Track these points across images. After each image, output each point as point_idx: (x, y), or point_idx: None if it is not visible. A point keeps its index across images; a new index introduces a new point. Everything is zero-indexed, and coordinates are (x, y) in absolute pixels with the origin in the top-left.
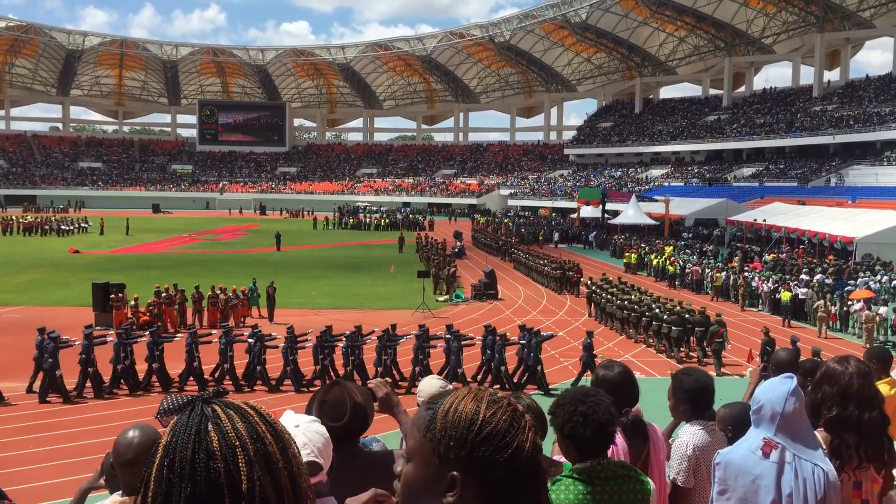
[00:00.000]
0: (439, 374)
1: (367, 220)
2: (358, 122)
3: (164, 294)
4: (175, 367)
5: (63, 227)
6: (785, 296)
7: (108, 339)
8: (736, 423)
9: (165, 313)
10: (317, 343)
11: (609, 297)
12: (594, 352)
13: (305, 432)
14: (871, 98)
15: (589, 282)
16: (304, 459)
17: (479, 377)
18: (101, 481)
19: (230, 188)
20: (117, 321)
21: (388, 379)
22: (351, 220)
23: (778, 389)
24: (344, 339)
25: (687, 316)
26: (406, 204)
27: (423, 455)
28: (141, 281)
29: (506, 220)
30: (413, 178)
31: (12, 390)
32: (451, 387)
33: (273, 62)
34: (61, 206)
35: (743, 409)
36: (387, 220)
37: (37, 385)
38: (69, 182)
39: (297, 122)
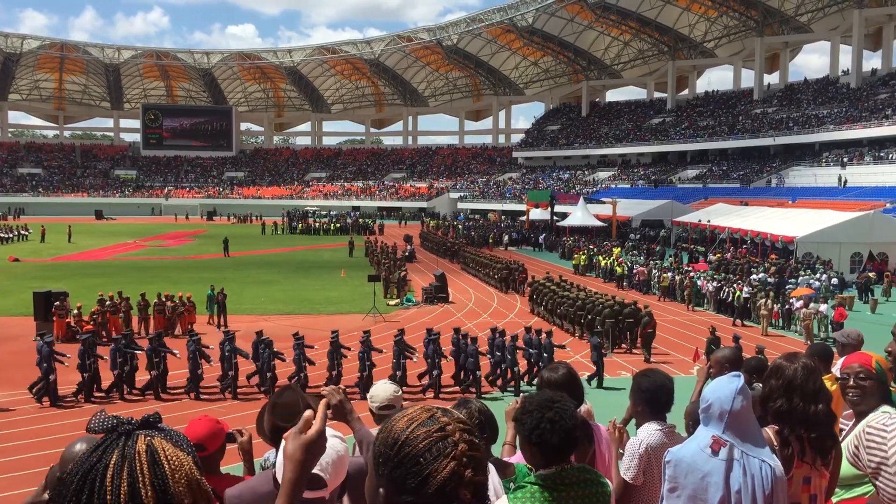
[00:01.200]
0: (420, 377)
1: (317, 224)
2: (306, 126)
3: (108, 302)
4: (173, 374)
5: (2, 234)
6: (736, 296)
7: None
8: (697, 419)
9: (110, 321)
10: (332, 349)
11: (550, 294)
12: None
13: None
14: (809, 100)
15: (532, 280)
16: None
17: (491, 378)
18: (45, 496)
19: (176, 194)
20: (60, 330)
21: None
22: (300, 225)
23: (726, 388)
24: (360, 343)
25: (618, 308)
26: (355, 208)
27: (371, 466)
28: (84, 289)
29: (456, 224)
30: (362, 181)
31: None
32: (401, 392)
33: (219, 66)
34: (0, 214)
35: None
36: (336, 225)
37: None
38: (8, 189)
39: (243, 126)
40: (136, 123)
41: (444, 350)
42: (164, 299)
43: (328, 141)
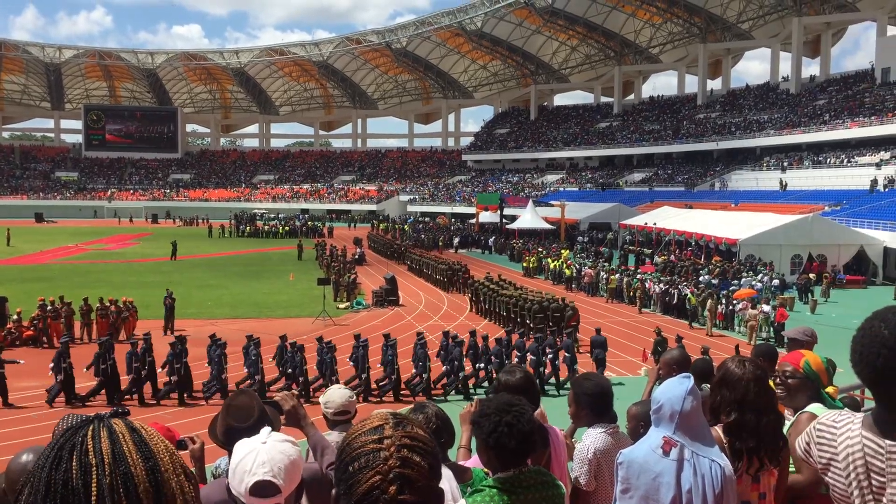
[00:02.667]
0: (379, 381)
1: (265, 227)
2: (254, 128)
3: (49, 307)
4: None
5: None
6: (692, 300)
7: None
8: (648, 420)
9: (51, 327)
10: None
11: (489, 293)
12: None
13: (269, 451)
14: (750, 106)
15: (472, 281)
16: (260, 478)
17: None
18: None
19: (119, 196)
20: None
21: (293, 391)
22: (248, 228)
23: (676, 389)
24: (387, 346)
25: (546, 304)
26: (304, 211)
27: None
28: (24, 294)
29: (405, 227)
30: (311, 184)
31: None
32: (354, 397)
33: (163, 66)
34: None
35: (644, 410)
36: (285, 228)
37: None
38: None
39: (189, 127)
40: (78, 124)
41: (430, 353)
42: (107, 304)
43: (276, 143)
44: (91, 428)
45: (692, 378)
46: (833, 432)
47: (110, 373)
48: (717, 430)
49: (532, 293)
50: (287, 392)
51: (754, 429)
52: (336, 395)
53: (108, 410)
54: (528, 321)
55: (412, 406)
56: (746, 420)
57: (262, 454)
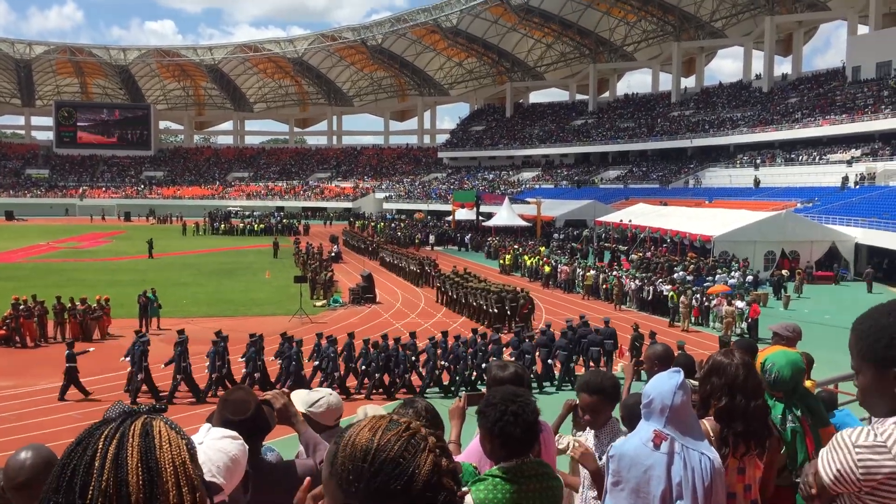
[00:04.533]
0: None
1: (241, 224)
2: (228, 125)
3: (22, 306)
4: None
5: None
6: (674, 297)
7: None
8: (634, 414)
9: (24, 326)
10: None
11: (455, 286)
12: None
13: (206, 450)
14: (724, 104)
15: (439, 273)
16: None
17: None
18: None
19: (91, 193)
20: None
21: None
22: (222, 226)
23: (667, 384)
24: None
25: (505, 294)
26: (280, 208)
27: (331, 489)
28: None
29: (380, 224)
30: (286, 182)
31: None
32: (318, 395)
33: (136, 62)
34: None
35: (635, 402)
36: (260, 225)
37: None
38: None
39: (163, 124)
40: (49, 121)
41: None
42: (77, 303)
43: (251, 140)
44: (108, 429)
45: (682, 372)
46: (881, 451)
47: (189, 371)
48: (706, 424)
49: (494, 285)
50: (278, 391)
51: (743, 412)
52: (301, 397)
53: (147, 405)
54: (490, 309)
55: (401, 402)
56: (737, 403)
57: (200, 455)
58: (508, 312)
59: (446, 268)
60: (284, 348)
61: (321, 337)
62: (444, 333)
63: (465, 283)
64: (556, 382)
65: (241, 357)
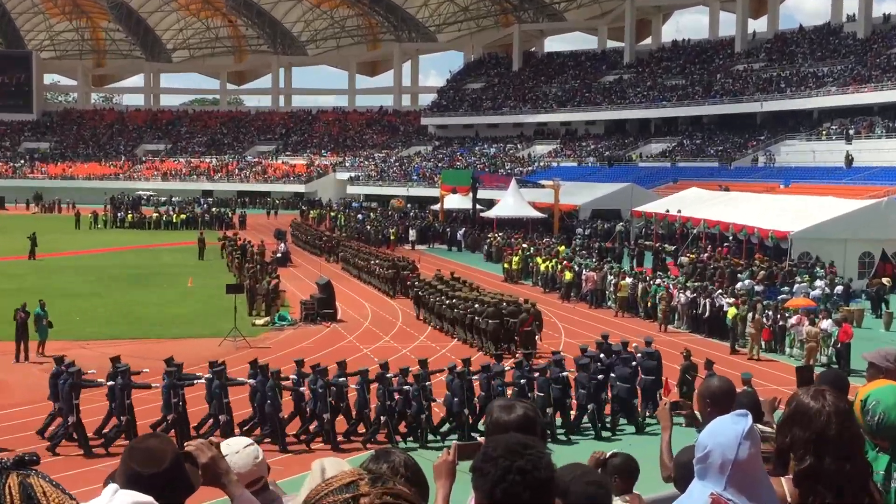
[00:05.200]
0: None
1: (154, 215)
2: (137, 80)
3: None
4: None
5: None
6: (731, 312)
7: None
8: (686, 475)
9: None
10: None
11: (437, 296)
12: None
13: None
14: (805, 54)
15: (418, 282)
16: None
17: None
18: None
19: None
20: None
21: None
22: (130, 216)
23: (729, 431)
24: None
25: (501, 306)
26: (207, 193)
27: None
28: None
29: (342, 215)
30: (216, 157)
31: None
32: (250, 448)
33: None
34: None
35: (691, 457)
36: (181, 216)
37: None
38: None
39: (48, 78)
40: None
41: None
42: None
43: (168, 101)
44: None
45: (750, 416)
46: None
47: (181, 408)
48: (783, 485)
49: (489, 294)
50: (203, 441)
51: (835, 478)
52: (234, 444)
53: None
54: (482, 327)
55: (372, 453)
56: (825, 466)
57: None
58: (505, 332)
59: (429, 273)
60: (257, 383)
61: (301, 365)
62: (466, 362)
63: (451, 291)
64: (570, 428)
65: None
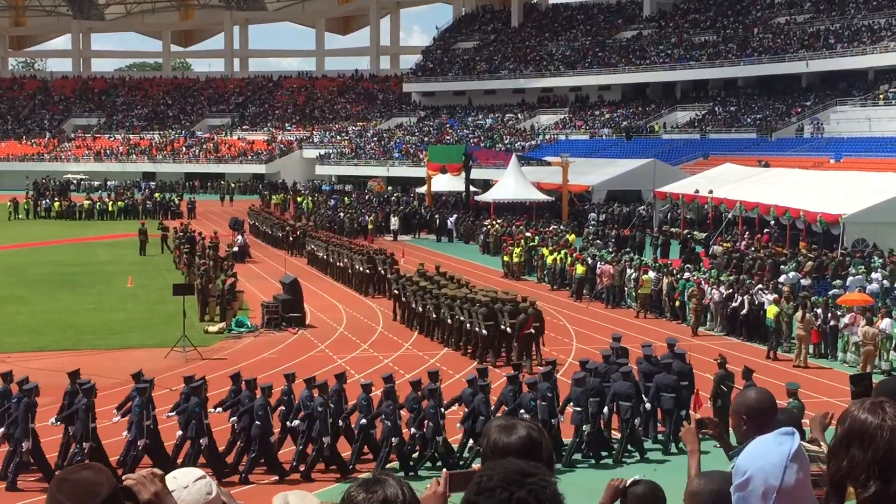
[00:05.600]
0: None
1: (86, 203)
2: (64, 42)
3: None
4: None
5: None
6: (771, 311)
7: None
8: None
9: None
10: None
11: (420, 294)
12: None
13: None
14: (858, 4)
15: (396, 276)
16: None
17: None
18: None
19: None
20: None
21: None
22: (57, 204)
23: (773, 453)
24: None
25: (499, 305)
26: (149, 176)
27: None
28: None
29: (308, 199)
30: (160, 132)
31: None
32: (201, 482)
33: None
34: None
35: (724, 482)
36: (119, 204)
37: None
38: None
39: None
40: None
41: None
42: None
43: (101, 66)
44: None
45: (797, 434)
46: None
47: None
48: None
49: (482, 291)
50: (147, 473)
51: None
52: (187, 493)
53: None
54: (476, 329)
55: (360, 480)
56: (893, 492)
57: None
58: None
59: (412, 268)
60: (242, 398)
61: (292, 379)
62: (434, 376)
63: (435, 289)
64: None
65: (172, 411)
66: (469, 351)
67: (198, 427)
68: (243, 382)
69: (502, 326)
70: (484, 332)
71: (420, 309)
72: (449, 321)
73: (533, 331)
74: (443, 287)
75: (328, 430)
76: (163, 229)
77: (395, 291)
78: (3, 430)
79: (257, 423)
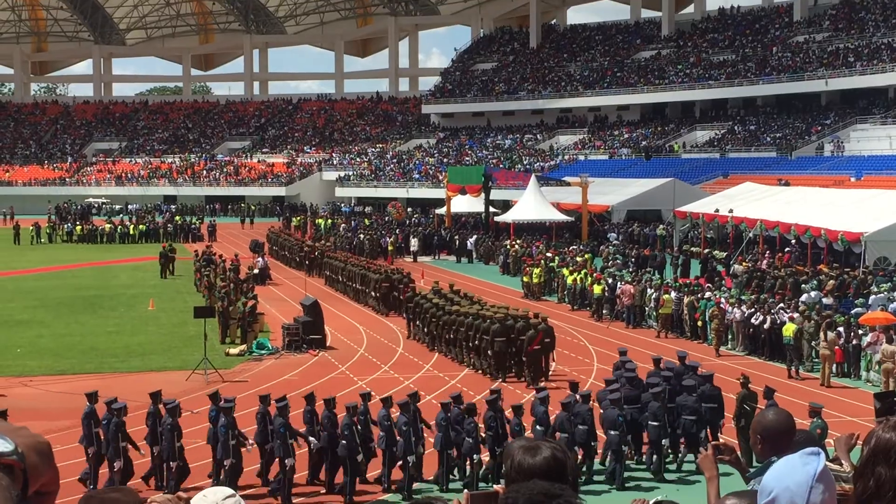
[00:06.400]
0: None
1: (108, 226)
2: (86, 67)
3: None
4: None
5: None
6: (787, 329)
7: None
8: None
9: None
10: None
11: (432, 312)
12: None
13: None
14: (877, 22)
15: (411, 294)
16: None
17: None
18: None
19: None
20: None
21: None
22: (78, 228)
23: (798, 473)
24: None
25: (511, 323)
26: (170, 199)
27: None
28: None
29: (327, 221)
30: (179, 156)
31: None
32: (230, 500)
33: None
34: None
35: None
36: (140, 227)
37: None
38: None
39: None
40: None
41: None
42: None
43: (122, 90)
44: None
45: (822, 455)
46: None
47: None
48: None
49: (493, 309)
50: (171, 495)
51: None
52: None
53: None
54: (487, 348)
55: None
56: None
57: None
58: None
59: (427, 287)
60: (260, 417)
61: (313, 401)
62: (414, 397)
63: (448, 305)
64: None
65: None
66: (482, 368)
67: (225, 447)
68: (323, 402)
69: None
70: (494, 348)
71: (434, 330)
72: (459, 339)
73: (541, 346)
74: (456, 304)
75: (357, 450)
76: (167, 252)
77: (407, 311)
78: (93, 449)
79: (343, 441)
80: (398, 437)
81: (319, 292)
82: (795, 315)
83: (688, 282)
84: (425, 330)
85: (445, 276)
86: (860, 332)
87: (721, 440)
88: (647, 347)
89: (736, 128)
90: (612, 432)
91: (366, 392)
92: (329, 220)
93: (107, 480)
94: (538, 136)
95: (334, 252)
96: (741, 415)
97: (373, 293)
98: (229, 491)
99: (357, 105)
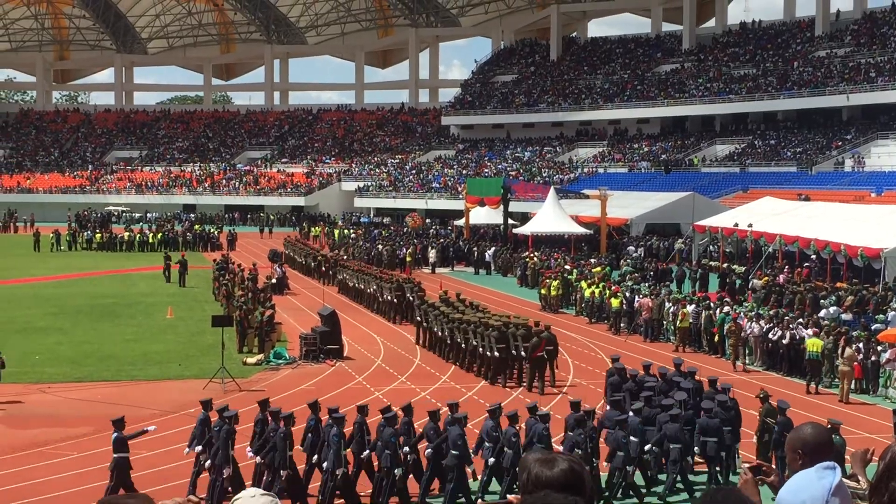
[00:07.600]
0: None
1: (127, 234)
2: (107, 76)
3: None
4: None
5: None
6: (812, 344)
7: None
8: None
9: None
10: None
11: (438, 318)
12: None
13: None
14: None
15: (420, 302)
16: None
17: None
18: None
19: None
20: None
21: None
22: (98, 236)
23: (815, 487)
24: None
25: (512, 329)
26: (189, 208)
27: None
28: None
29: (343, 231)
30: (199, 165)
31: None
32: (265, 499)
33: None
34: None
35: None
36: (158, 235)
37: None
38: None
39: (2, 74)
40: None
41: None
42: None
43: (143, 99)
44: None
45: (838, 468)
46: None
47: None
48: None
49: (497, 317)
50: (183, 499)
51: None
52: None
53: None
54: (487, 353)
55: None
56: None
57: None
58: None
59: (435, 295)
60: (269, 431)
61: (317, 409)
62: (408, 410)
63: (452, 313)
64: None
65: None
66: (482, 372)
67: (283, 457)
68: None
69: (514, 351)
70: (496, 354)
71: (440, 333)
72: (463, 345)
73: (545, 354)
74: (458, 313)
75: (399, 462)
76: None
77: (419, 317)
78: (206, 456)
79: (387, 451)
80: (454, 451)
81: (336, 302)
82: (816, 330)
83: (706, 295)
84: (435, 334)
85: (463, 288)
86: (879, 348)
87: (753, 460)
88: (665, 361)
89: (756, 142)
90: (619, 453)
91: (434, 410)
92: (346, 231)
93: (209, 485)
94: (558, 148)
95: (347, 261)
96: (764, 429)
97: (388, 297)
98: (272, 495)
99: (377, 116)
